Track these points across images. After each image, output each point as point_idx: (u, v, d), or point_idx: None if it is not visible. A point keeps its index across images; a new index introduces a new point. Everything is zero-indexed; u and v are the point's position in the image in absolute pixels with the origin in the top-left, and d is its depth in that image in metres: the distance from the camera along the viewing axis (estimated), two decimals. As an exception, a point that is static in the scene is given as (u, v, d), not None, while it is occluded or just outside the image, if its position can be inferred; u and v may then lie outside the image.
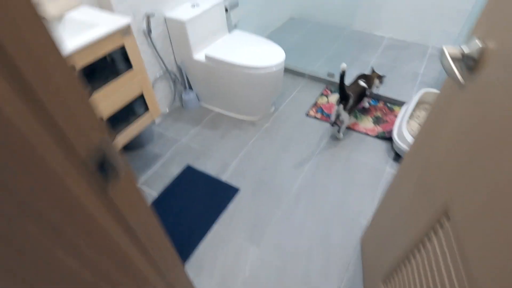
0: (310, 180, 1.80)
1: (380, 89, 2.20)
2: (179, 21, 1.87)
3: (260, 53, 1.97)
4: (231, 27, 2.40)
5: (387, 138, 2.05)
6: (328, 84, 2.50)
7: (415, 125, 2.00)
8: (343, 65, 1.61)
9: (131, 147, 2.01)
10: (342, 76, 1.63)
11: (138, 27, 1.78)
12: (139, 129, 1.60)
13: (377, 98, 2.33)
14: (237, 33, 2.23)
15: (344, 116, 1.80)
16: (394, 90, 2.37)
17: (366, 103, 2.21)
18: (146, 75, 1.51)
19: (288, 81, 2.55)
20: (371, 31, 3.06)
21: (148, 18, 1.78)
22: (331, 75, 2.49)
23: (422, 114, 2.07)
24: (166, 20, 1.92)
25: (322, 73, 2.52)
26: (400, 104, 2.28)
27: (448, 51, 0.67)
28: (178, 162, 1.94)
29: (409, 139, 1.82)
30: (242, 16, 2.49)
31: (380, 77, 2.01)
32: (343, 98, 1.71)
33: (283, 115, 2.25)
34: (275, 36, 3.04)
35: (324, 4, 2.98)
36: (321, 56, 2.74)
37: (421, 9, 2.73)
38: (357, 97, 1.82)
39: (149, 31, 1.82)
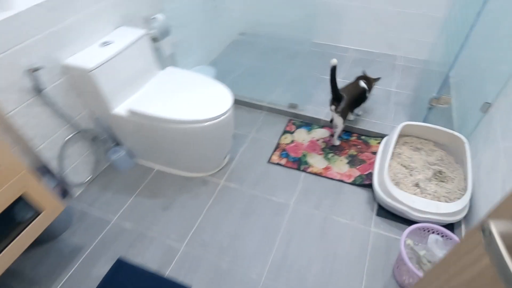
0: (282, 259, 1.43)
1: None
2: (81, 70, 1.40)
3: (200, 100, 1.56)
4: (165, 60, 1.95)
5: (367, 184, 1.72)
6: (292, 116, 2.14)
7: (397, 167, 1.69)
8: (333, 60, 1.51)
9: (38, 240, 1.51)
10: (333, 71, 1.53)
11: (21, 87, 1.30)
12: (28, 241, 1.13)
13: (350, 130, 2.00)
14: (171, 70, 1.80)
15: (337, 120, 1.69)
16: (368, 116, 2.06)
17: (336, 140, 1.88)
18: (22, 169, 1.04)
19: (243, 118, 2.16)
20: (334, 43, 2.75)
21: (33, 72, 1.30)
22: (293, 106, 2.13)
23: (404, 152, 1.77)
24: (64, 69, 1.44)
25: (283, 103, 2.16)
26: (377, 136, 1.97)
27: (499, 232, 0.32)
28: (107, 255, 1.48)
29: (393, 190, 1.50)
30: (178, 43, 2.05)
31: (376, 80, 1.90)
32: (335, 99, 1.62)
33: (241, 166, 1.86)
34: (222, 60, 2.63)
35: (278, 16, 2.61)
36: (280, 81, 2.38)
37: (386, 17, 2.45)
38: (353, 99, 1.71)
39: (38, 88, 1.34)
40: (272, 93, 2.27)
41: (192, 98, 1.58)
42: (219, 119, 1.51)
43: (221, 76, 2.19)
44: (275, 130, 2.07)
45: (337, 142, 1.85)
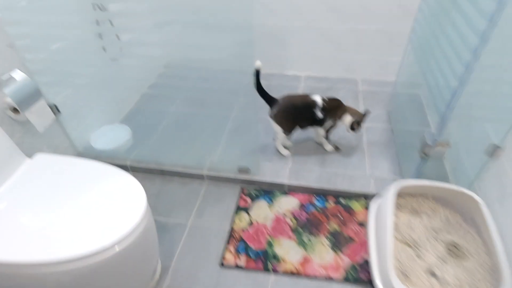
0: None
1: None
2: None
3: (91, 212, 0.97)
4: (40, 139, 1.32)
5: (364, 281, 1.25)
6: (244, 184, 1.62)
7: (398, 246, 1.26)
8: (257, 63, 1.43)
9: None
10: (257, 75, 1.47)
11: None
12: None
13: (324, 193, 1.54)
14: (42, 160, 1.17)
15: (275, 127, 1.60)
16: (340, 166, 1.62)
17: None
18: None
19: (176, 196, 1.59)
20: (281, 71, 2.32)
21: None
22: (244, 170, 1.61)
23: (401, 220, 1.34)
24: None
25: (229, 166, 1.63)
26: (359, 195, 1.53)
27: None
28: None
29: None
30: (63, 103, 1.43)
31: (359, 118, 1.59)
32: (267, 102, 1.56)
33: (181, 279, 1.28)
34: (139, 113, 2.03)
35: (207, 46, 2.09)
36: (220, 132, 1.86)
37: (336, 36, 2.10)
38: (296, 110, 1.55)
39: None
40: (212, 152, 1.73)
41: (77, 209, 0.98)
42: (127, 241, 0.92)
43: (139, 136, 1.61)
44: (223, 208, 1.53)
45: (283, 151, 1.71)
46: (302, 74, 2.34)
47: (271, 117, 1.56)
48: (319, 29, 2.09)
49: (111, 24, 1.44)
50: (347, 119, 1.55)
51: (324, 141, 1.71)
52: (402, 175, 1.61)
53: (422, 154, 1.34)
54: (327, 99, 1.55)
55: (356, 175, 1.59)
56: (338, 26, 2.06)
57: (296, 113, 1.55)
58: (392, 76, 2.10)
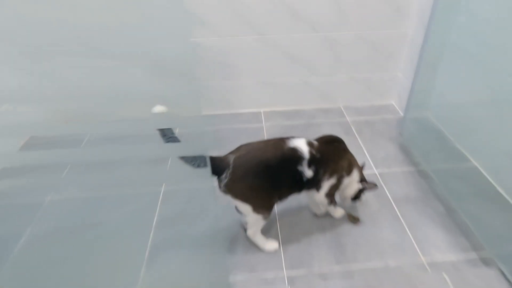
0: None
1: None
2: None
3: None
4: None
5: None
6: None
7: None
8: (157, 109, 0.79)
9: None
10: (164, 133, 0.88)
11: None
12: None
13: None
14: None
15: (240, 207, 0.99)
16: (372, 252, 0.97)
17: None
18: None
19: None
20: (230, 110, 1.68)
21: None
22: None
23: None
24: None
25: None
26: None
27: None
28: None
29: None
30: None
31: (364, 186, 1.10)
32: (212, 168, 0.94)
33: None
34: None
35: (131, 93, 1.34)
36: (142, 248, 1.06)
37: (307, 50, 1.54)
38: (264, 171, 0.95)
39: None
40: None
41: None
42: None
43: None
44: None
45: (268, 245, 1.09)
46: (262, 110, 1.71)
47: (224, 191, 0.98)
48: (277, 44, 1.51)
49: None
50: (355, 180, 1.09)
51: (329, 208, 1.15)
52: (477, 248, 0.99)
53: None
54: (318, 144, 1.04)
55: (404, 265, 0.91)
56: (304, 36, 1.50)
57: (268, 176, 0.98)
58: (387, 98, 1.69)
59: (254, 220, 1.01)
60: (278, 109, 1.74)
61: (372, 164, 1.37)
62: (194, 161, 0.89)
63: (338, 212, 1.16)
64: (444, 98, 1.41)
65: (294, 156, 0.97)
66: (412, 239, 1.07)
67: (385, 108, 1.74)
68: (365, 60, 1.62)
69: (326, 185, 1.02)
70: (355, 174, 1.06)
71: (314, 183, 1.01)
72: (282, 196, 1.02)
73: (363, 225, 1.12)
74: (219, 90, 1.65)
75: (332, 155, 1.02)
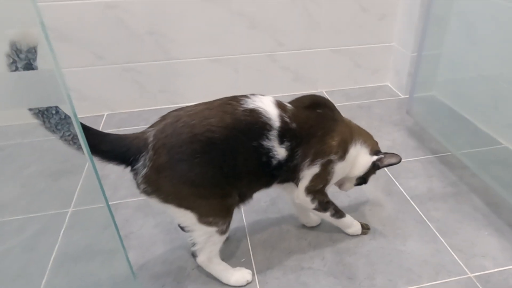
0: None
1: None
2: None
3: None
4: None
5: None
6: None
7: None
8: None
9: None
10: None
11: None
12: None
13: None
14: None
15: (178, 217, 0.76)
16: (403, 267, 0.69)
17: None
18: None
19: None
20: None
21: None
22: None
23: None
24: None
25: None
26: None
27: None
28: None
29: None
30: None
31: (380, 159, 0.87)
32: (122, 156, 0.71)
33: None
34: None
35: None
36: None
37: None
38: (210, 152, 0.70)
39: None
40: None
41: None
42: None
43: None
44: None
45: (235, 278, 0.81)
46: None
47: (145, 189, 0.71)
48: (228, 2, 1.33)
49: None
50: (361, 156, 0.85)
51: (326, 217, 0.87)
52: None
53: None
54: (293, 108, 0.79)
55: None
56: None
57: (215, 158, 0.72)
58: (381, 77, 1.63)
59: (204, 237, 0.75)
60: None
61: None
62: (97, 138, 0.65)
63: (349, 222, 0.88)
64: (454, 71, 1.32)
65: (256, 123, 0.72)
66: (450, 250, 0.84)
67: (380, 90, 1.60)
68: (350, 25, 1.50)
69: (308, 175, 0.78)
70: (359, 147, 0.83)
71: (289, 171, 0.77)
72: (243, 193, 0.77)
73: (377, 237, 0.88)
74: (157, 77, 1.45)
75: (315, 127, 0.78)
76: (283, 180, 0.79)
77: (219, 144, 0.69)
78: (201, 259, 0.78)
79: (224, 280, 0.80)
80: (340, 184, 0.89)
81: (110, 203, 1.04)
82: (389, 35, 1.55)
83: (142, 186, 0.69)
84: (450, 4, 1.22)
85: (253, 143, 0.71)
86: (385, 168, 1.12)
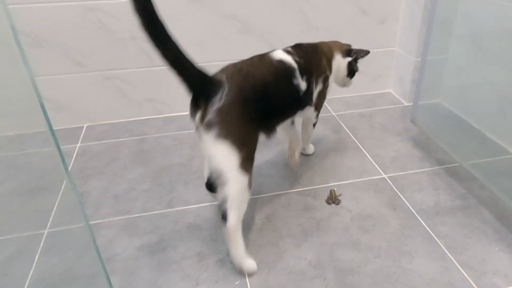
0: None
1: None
2: None
3: None
4: None
5: None
6: None
7: None
8: None
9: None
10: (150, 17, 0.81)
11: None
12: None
13: None
14: None
15: (210, 150, 0.91)
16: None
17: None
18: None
19: None
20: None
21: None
22: None
23: None
24: None
25: None
26: None
27: None
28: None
29: None
30: None
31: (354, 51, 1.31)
32: (192, 89, 0.92)
33: None
34: None
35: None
36: None
37: None
38: (258, 91, 0.98)
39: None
40: None
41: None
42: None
43: None
44: None
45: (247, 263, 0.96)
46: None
47: (212, 120, 0.89)
48: (218, 3, 1.37)
49: None
50: (340, 62, 1.26)
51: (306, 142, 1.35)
52: None
53: None
54: (295, 50, 1.16)
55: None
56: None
57: (267, 99, 1.02)
58: (383, 84, 1.70)
59: (238, 189, 0.89)
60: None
61: (379, 168, 1.22)
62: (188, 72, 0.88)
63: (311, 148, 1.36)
64: (460, 77, 1.37)
65: (286, 68, 1.06)
66: (460, 267, 0.87)
67: (382, 97, 1.65)
68: (349, 28, 1.56)
69: (315, 93, 1.15)
70: (336, 57, 1.21)
71: (307, 97, 1.12)
72: (276, 122, 1.07)
73: (381, 254, 0.91)
74: (142, 85, 1.48)
75: (311, 58, 1.13)
76: (303, 107, 1.13)
77: (271, 87, 0.99)
78: (231, 221, 0.87)
79: (237, 259, 0.90)
80: (342, 85, 1.30)
81: (91, 222, 1.08)
82: (390, 39, 1.60)
83: (209, 117, 0.88)
84: (454, 6, 1.27)
85: (288, 83, 1.05)
86: (388, 181, 1.21)
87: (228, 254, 0.92)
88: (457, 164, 1.22)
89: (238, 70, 0.98)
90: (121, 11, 1.37)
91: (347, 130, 1.45)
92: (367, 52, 1.25)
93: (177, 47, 0.85)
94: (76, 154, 1.35)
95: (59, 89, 1.43)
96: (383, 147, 1.36)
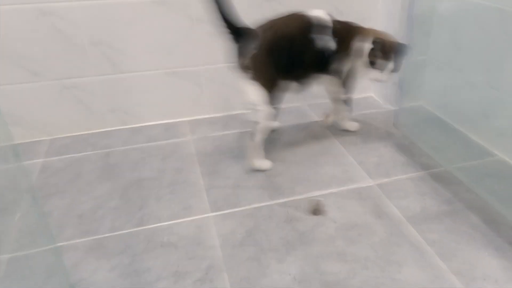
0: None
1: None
2: None
3: None
4: None
5: None
6: None
7: None
8: None
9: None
10: None
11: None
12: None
13: None
14: None
15: (250, 92, 1.31)
16: None
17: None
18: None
19: None
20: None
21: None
22: None
23: None
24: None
25: None
26: None
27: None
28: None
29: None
30: None
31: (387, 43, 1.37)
32: (235, 37, 1.28)
33: None
34: None
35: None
36: None
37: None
38: (288, 43, 1.31)
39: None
40: None
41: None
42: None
43: None
44: None
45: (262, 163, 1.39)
46: (182, 118, 1.53)
47: (248, 62, 1.27)
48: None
49: None
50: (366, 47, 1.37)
51: (344, 111, 1.52)
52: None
53: None
54: (335, 19, 1.38)
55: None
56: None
57: (292, 49, 1.32)
58: (364, 88, 1.72)
59: (265, 116, 1.29)
60: (201, 116, 1.62)
61: (362, 175, 1.25)
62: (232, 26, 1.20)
63: (354, 124, 1.52)
64: (441, 78, 1.44)
65: (321, 24, 1.30)
66: (451, 276, 0.90)
67: (363, 101, 1.71)
68: None
69: (342, 65, 1.36)
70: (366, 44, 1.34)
71: (334, 64, 1.34)
72: (298, 77, 1.35)
73: (369, 265, 0.93)
74: (104, 95, 1.48)
75: (346, 30, 1.34)
76: (328, 71, 1.35)
77: (297, 42, 1.28)
78: (258, 138, 1.31)
79: (258, 162, 1.32)
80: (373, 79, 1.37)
81: (53, 245, 1.05)
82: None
83: (247, 61, 1.24)
84: (432, 6, 1.33)
85: (318, 38, 1.28)
86: (373, 188, 1.24)
87: (206, 273, 0.92)
88: (442, 168, 1.26)
89: (270, 26, 1.29)
90: (78, 15, 1.36)
91: (332, 135, 1.50)
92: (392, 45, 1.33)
93: (229, 10, 1.19)
94: (35, 170, 1.32)
95: (13, 100, 1.40)
96: (365, 153, 1.39)
